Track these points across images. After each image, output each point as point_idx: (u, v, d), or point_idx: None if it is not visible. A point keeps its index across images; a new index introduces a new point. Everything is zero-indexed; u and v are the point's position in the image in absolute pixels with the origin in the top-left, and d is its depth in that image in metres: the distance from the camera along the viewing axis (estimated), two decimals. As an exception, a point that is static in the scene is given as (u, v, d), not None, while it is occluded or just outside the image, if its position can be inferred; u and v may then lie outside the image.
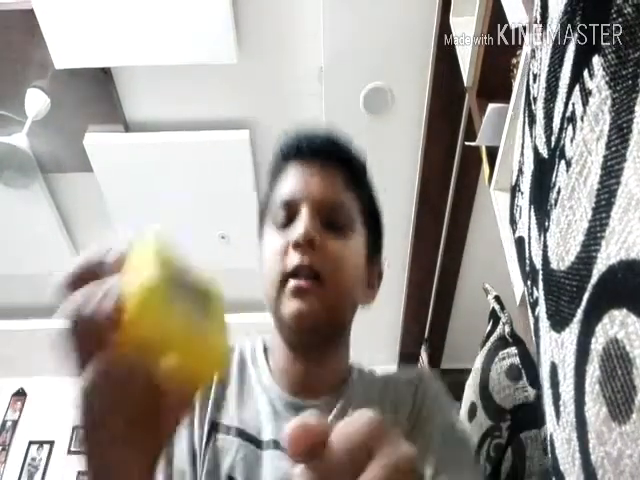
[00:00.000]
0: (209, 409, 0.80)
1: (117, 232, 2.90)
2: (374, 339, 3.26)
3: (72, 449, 3.60)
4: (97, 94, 2.42)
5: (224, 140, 2.50)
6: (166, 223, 2.87)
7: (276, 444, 0.77)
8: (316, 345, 0.83)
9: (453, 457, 0.77)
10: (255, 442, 0.78)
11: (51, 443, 3.63)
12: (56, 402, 3.73)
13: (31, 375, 3.83)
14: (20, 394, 3.87)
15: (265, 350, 0.90)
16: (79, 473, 3.47)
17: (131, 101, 2.49)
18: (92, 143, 2.51)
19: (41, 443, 3.64)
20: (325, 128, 0.92)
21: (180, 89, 2.44)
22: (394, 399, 0.85)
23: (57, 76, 2.32)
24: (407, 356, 3.33)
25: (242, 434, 0.78)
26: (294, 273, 0.78)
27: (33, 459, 3.58)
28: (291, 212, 0.83)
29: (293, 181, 0.86)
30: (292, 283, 0.78)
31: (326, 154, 0.88)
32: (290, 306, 0.77)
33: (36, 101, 2.35)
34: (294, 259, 0.78)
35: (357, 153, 0.93)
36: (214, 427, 0.78)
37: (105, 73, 2.35)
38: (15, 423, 3.74)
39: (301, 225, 0.79)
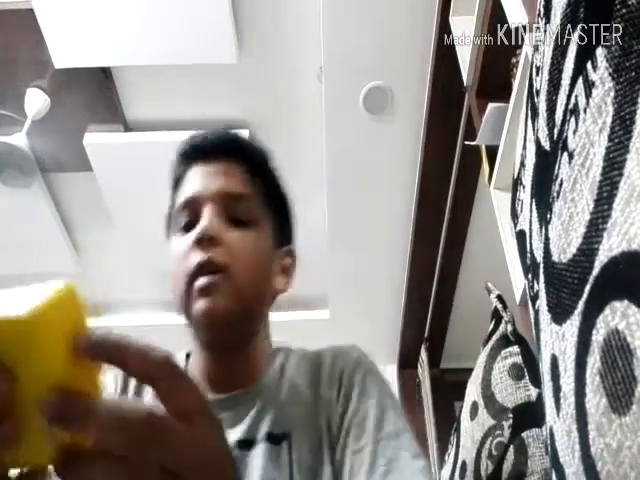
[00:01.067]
0: None
1: (117, 232, 2.90)
2: (374, 339, 3.26)
3: (71, 449, 3.60)
4: (97, 94, 2.42)
5: (224, 139, 2.50)
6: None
7: None
8: (231, 339, 0.83)
9: (391, 455, 0.74)
10: None
11: (50, 443, 3.63)
12: (55, 402, 3.74)
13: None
14: (19, 394, 3.86)
15: (187, 359, 0.90)
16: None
17: (131, 101, 2.49)
18: (92, 143, 2.51)
19: (40, 443, 3.64)
20: (220, 129, 0.94)
21: (180, 89, 2.44)
22: (321, 377, 0.84)
23: (57, 76, 2.32)
24: (407, 355, 3.33)
25: None
26: (198, 270, 0.77)
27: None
28: (193, 213, 0.83)
29: (192, 182, 0.86)
30: (198, 282, 0.77)
31: (221, 151, 0.88)
32: (199, 305, 0.76)
33: (36, 101, 2.35)
34: (196, 256, 0.77)
35: (255, 145, 0.94)
36: None
37: (105, 73, 2.35)
38: (14, 423, 3.74)
39: (202, 222, 0.79)
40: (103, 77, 2.36)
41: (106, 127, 2.51)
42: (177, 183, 0.90)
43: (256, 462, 0.75)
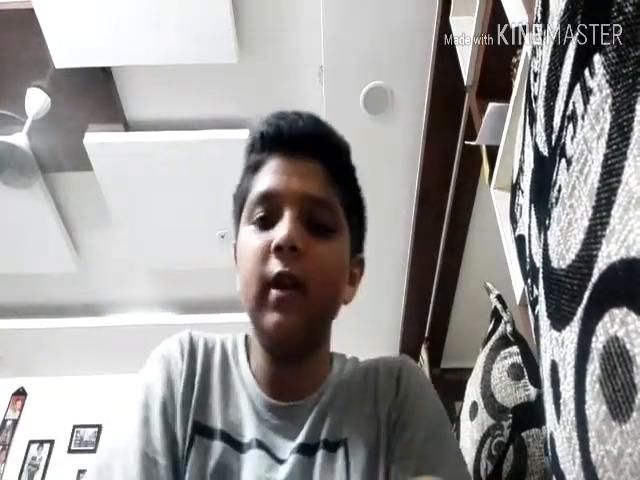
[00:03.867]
0: (192, 409, 0.78)
1: (117, 232, 2.90)
2: (374, 339, 3.27)
3: (72, 448, 3.60)
4: (97, 94, 2.42)
5: (224, 140, 2.50)
6: (166, 223, 2.87)
7: (258, 443, 0.76)
8: (294, 354, 0.81)
9: (435, 454, 0.76)
10: (237, 445, 0.77)
11: (51, 442, 3.63)
12: (56, 401, 3.74)
13: (31, 375, 3.83)
14: (20, 393, 3.87)
15: (247, 345, 0.87)
16: (79, 472, 3.48)
17: (131, 101, 2.49)
18: (92, 142, 2.51)
19: (41, 442, 3.64)
20: (307, 115, 0.84)
21: (180, 89, 2.45)
22: (375, 390, 0.83)
23: (57, 76, 2.32)
24: (407, 355, 3.34)
25: (225, 437, 0.77)
26: (275, 281, 0.73)
27: (33, 458, 3.59)
28: (270, 209, 0.77)
29: (273, 176, 0.79)
30: (274, 294, 0.73)
31: (308, 146, 0.81)
32: (271, 318, 0.73)
33: (36, 100, 2.35)
34: (275, 266, 0.73)
35: (341, 144, 0.87)
36: (197, 429, 0.77)
37: (105, 73, 2.35)
38: (15, 422, 3.75)
39: (283, 228, 0.74)
40: (103, 77, 2.36)
41: (106, 127, 2.51)
42: (255, 167, 0.83)
43: (315, 469, 0.75)
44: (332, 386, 0.84)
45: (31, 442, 3.64)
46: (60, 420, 3.66)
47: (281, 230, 0.74)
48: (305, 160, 0.80)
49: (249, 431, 0.78)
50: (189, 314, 3.48)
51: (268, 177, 0.79)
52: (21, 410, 3.79)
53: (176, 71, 2.34)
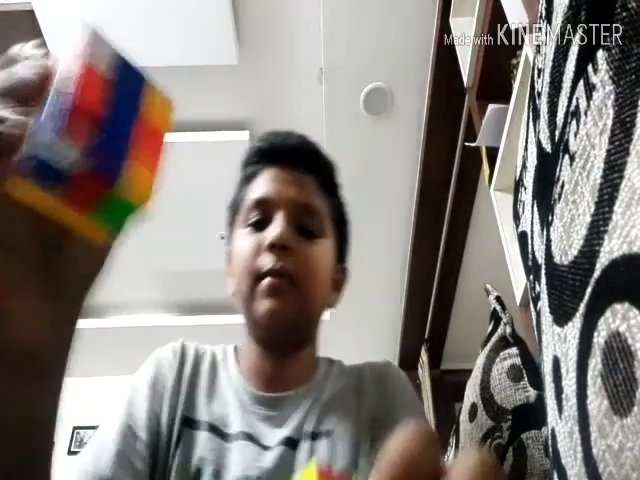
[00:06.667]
0: (180, 404, 0.82)
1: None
2: (374, 339, 3.27)
3: (72, 449, 3.60)
4: (97, 94, 2.42)
5: (224, 140, 2.50)
6: (166, 223, 2.87)
7: (244, 435, 0.80)
8: (286, 344, 0.86)
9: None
10: (223, 435, 0.80)
11: (50, 443, 3.63)
12: (55, 402, 3.74)
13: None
14: (19, 394, 3.87)
15: (236, 353, 0.93)
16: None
17: (131, 101, 2.50)
18: (92, 143, 2.51)
19: (41, 443, 3.64)
20: (297, 134, 0.95)
21: (180, 90, 2.44)
22: (360, 389, 0.88)
23: (57, 76, 2.32)
24: (407, 356, 3.34)
25: (211, 428, 0.80)
26: (267, 274, 0.80)
27: (33, 459, 3.58)
28: (264, 213, 0.86)
29: (268, 184, 0.88)
30: (266, 281, 0.79)
31: (301, 161, 0.91)
32: (264, 304, 0.79)
33: (36, 101, 2.35)
34: (268, 261, 0.80)
35: (329, 161, 0.96)
36: (185, 422, 0.80)
37: (105, 73, 2.35)
38: (14, 423, 3.74)
39: (276, 228, 0.82)
40: (103, 77, 2.36)
41: (106, 127, 2.51)
42: (250, 178, 0.92)
43: (299, 459, 0.79)
44: (318, 382, 0.89)
45: (30, 443, 3.64)
46: (60, 421, 3.66)
47: (274, 230, 0.82)
48: (297, 172, 0.90)
49: (235, 423, 0.81)
50: (190, 315, 3.48)
51: (263, 185, 0.89)
52: (20, 411, 3.79)
53: (176, 72, 2.34)
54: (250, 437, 0.79)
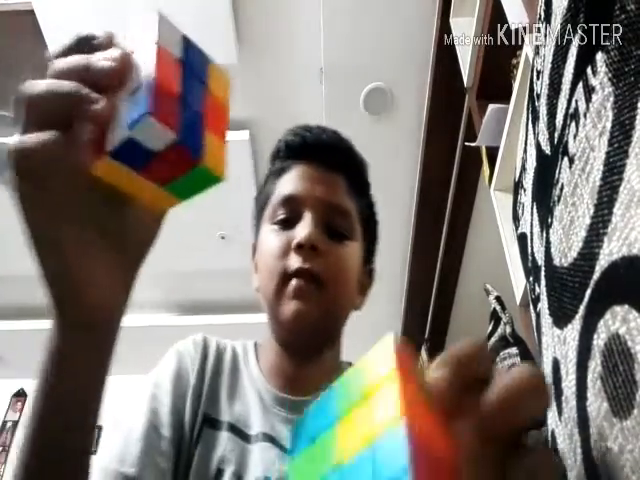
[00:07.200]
0: (202, 401, 0.80)
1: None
2: (374, 339, 3.26)
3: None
4: (97, 94, 2.43)
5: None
6: (166, 223, 2.86)
7: (265, 437, 0.78)
8: (309, 347, 0.84)
9: None
10: (244, 436, 0.79)
11: (51, 443, 3.63)
12: (56, 402, 3.74)
13: (32, 376, 3.82)
14: (20, 394, 3.87)
15: (256, 349, 0.91)
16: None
17: (131, 101, 2.50)
18: (92, 143, 2.51)
19: (41, 443, 3.64)
20: (330, 130, 0.91)
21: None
22: None
23: (57, 76, 2.32)
24: (407, 356, 3.34)
25: (233, 428, 0.79)
26: (295, 275, 0.78)
27: (33, 459, 3.58)
28: (292, 211, 0.83)
29: (297, 181, 0.85)
30: (294, 283, 0.77)
31: (332, 158, 0.88)
32: (290, 306, 0.77)
33: (36, 101, 2.35)
34: (295, 261, 0.78)
35: (361, 159, 0.93)
36: (206, 421, 0.79)
37: (105, 73, 2.35)
38: (15, 424, 3.75)
39: (305, 228, 0.79)
40: (103, 78, 2.36)
41: (106, 127, 2.52)
42: (279, 172, 0.89)
43: None
44: None
45: (31, 443, 3.64)
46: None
47: (302, 230, 0.79)
48: (328, 170, 0.86)
49: (256, 424, 0.80)
50: (190, 315, 3.48)
51: (292, 182, 0.85)
52: (21, 411, 3.79)
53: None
54: (271, 439, 0.78)
